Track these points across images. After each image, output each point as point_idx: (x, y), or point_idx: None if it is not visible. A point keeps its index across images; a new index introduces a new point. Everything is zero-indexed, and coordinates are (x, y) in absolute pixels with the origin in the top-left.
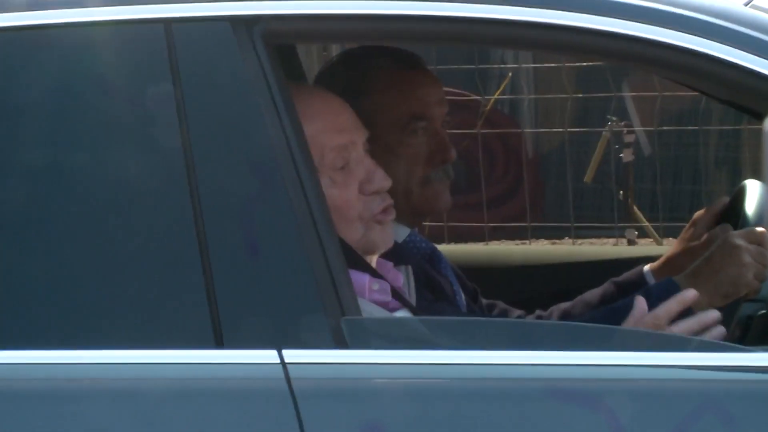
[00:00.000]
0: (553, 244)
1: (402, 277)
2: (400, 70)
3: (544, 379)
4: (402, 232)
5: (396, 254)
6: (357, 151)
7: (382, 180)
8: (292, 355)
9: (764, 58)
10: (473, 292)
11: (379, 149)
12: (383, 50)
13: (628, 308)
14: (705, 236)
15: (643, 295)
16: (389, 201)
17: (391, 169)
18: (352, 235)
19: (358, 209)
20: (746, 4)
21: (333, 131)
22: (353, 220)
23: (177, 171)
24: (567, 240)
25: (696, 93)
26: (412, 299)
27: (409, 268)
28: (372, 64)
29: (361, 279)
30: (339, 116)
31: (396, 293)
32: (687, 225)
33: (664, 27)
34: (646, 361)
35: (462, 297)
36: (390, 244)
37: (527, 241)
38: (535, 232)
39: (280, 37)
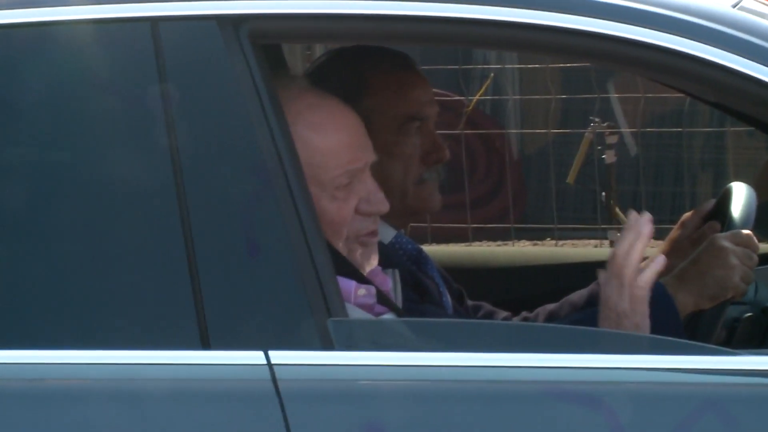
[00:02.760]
0: (535, 245)
1: (390, 281)
2: (394, 70)
3: (531, 381)
4: (389, 233)
5: (383, 256)
6: (362, 169)
7: (380, 203)
8: (278, 357)
9: (751, 60)
10: (459, 294)
11: (375, 150)
12: (375, 50)
13: None
14: (693, 236)
15: None
16: (377, 224)
17: (388, 169)
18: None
19: (347, 228)
20: (734, 6)
21: (346, 149)
22: (339, 237)
23: (164, 171)
24: (549, 241)
25: (680, 94)
26: (399, 303)
27: (396, 272)
28: (367, 64)
29: (347, 285)
30: (354, 135)
31: (383, 297)
32: (675, 226)
33: (650, 28)
34: (632, 364)
35: (448, 298)
36: (373, 266)
37: (510, 242)
38: (517, 233)
39: (266, 36)
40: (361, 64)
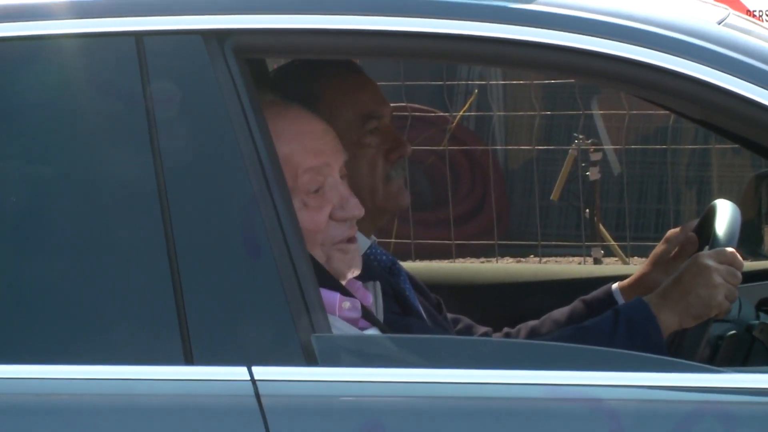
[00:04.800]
0: (519, 262)
1: (371, 296)
2: (343, 74)
3: (515, 399)
4: (363, 245)
5: (362, 268)
6: (333, 175)
7: (354, 208)
8: (261, 372)
9: (737, 77)
10: (437, 304)
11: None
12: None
13: (597, 327)
14: (676, 251)
15: (612, 314)
16: (354, 230)
17: (354, 171)
18: (317, 258)
19: (322, 235)
20: (719, 23)
21: (308, 153)
22: (316, 245)
23: (148, 186)
24: (533, 258)
25: (665, 111)
26: (380, 316)
27: (377, 284)
28: (317, 73)
29: (331, 297)
30: (318, 139)
31: (366, 312)
32: (659, 242)
33: (635, 45)
34: (615, 381)
35: (421, 310)
36: (357, 271)
37: (493, 259)
38: (501, 250)
39: (251, 51)
40: (309, 73)
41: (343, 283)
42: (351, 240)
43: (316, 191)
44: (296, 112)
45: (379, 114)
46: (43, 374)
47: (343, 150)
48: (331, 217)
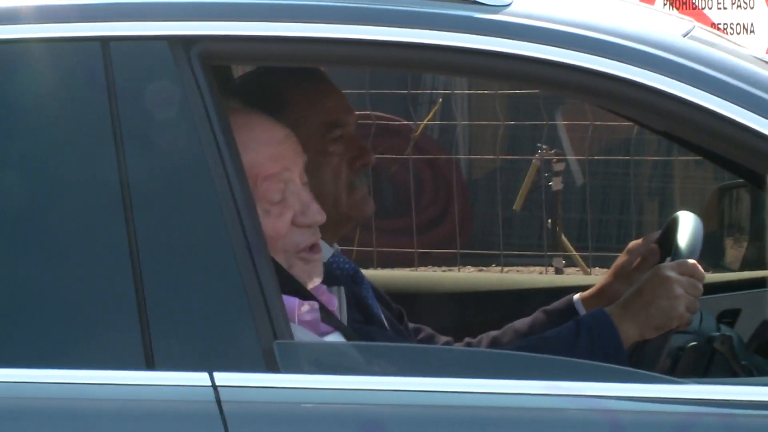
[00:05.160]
0: (481, 271)
1: (335, 300)
2: (309, 81)
3: (477, 407)
4: (326, 253)
5: (325, 275)
6: (293, 181)
7: (316, 214)
8: (223, 378)
9: (701, 90)
10: (399, 313)
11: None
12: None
13: (558, 337)
14: (637, 262)
15: (574, 325)
16: (317, 237)
17: (318, 179)
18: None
19: (284, 242)
20: (684, 35)
21: (268, 160)
22: (279, 252)
23: (112, 190)
24: (495, 267)
25: (628, 123)
26: (344, 321)
27: (341, 289)
28: (282, 80)
29: (290, 303)
30: (278, 145)
31: (329, 316)
32: (621, 253)
33: (600, 56)
34: (575, 391)
35: (384, 320)
36: (318, 280)
37: (456, 268)
38: (463, 258)
39: (217, 57)
40: (274, 79)
41: (309, 288)
42: (314, 249)
43: (279, 200)
44: (258, 119)
45: (344, 122)
46: (3, 378)
47: (303, 152)
48: (293, 223)
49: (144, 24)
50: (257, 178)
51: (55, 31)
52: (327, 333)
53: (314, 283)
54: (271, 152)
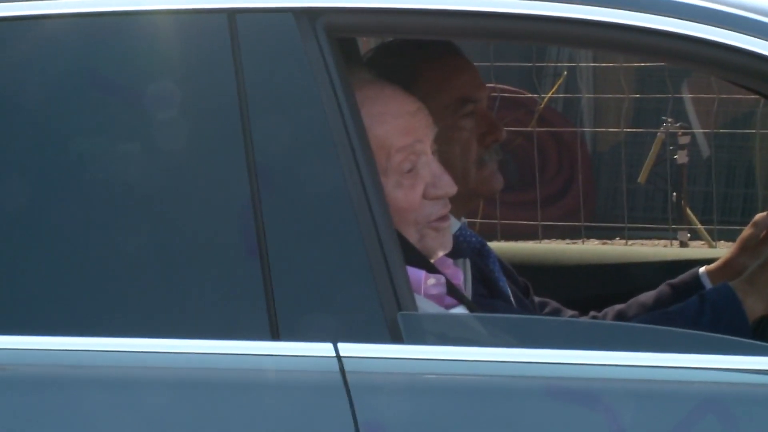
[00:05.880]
0: (605, 244)
1: (461, 274)
2: (442, 57)
3: (602, 379)
4: (453, 226)
5: (452, 248)
6: (425, 153)
7: (448, 185)
8: (347, 349)
9: None
10: (524, 287)
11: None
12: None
13: (682, 313)
14: (763, 235)
15: (698, 300)
16: (448, 208)
17: (447, 153)
18: (409, 237)
19: (417, 214)
20: None
21: (400, 132)
22: (410, 223)
23: (238, 163)
24: (619, 240)
25: (754, 96)
26: (469, 294)
27: (467, 261)
28: (415, 53)
29: (417, 275)
30: (410, 118)
31: (453, 290)
32: (747, 227)
33: (724, 28)
34: (701, 364)
35: (509, 293)
36: (449, 248)
37: (580, 241)
38: (587, 231)
39: (342, 30)
40: (410, 52)
41: (433, 261)
42: (444, 218)
43: (410, 171)
44: (390, 91)
45: (476, 98)
46: (130, 347)
47: (434, 124)
48: (424, 195)
49: None
50: (390, 150)
51: (183, 3)
52: (452, 306)
53: (445, 250)
54: (403, 124)
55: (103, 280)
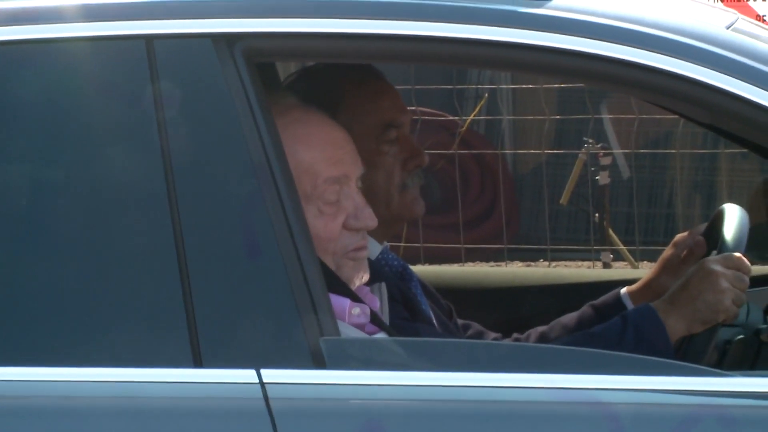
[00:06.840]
0: (528, 266)
1: (377, 301)
2: (366, 81)
3: (525, 402)
4: (375, 250)
5: (370, 272)
6: (349, 185)
7: (368, 218)
8: (270, 375)
9: (745, 82)
10: (448, 310)
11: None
12: (345, 63)
13: (605, 334)
14: (684, 255)
15: (620, 321)
16: (366, 240)
17: (371, 178)
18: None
19: (335, 244)
20: (728, 27)
21: (329, 163)
22: (328, 253)
23: (157, 187)
24: (542, 262)
25: (674, 116)
26: (386, 319)
27: (383, 285)
28: (339, 77)
29: (341, 303)
30: (339, 149)
31: (374, 317)
32: (668, 247)
33: (644, 49)
34: (623, 385)
35: (432, 316)
36: (366, 279)
37: (503, 263)
38: (510, 254)
39: (261, 54)
40: (333, 77)
41: (353, 288)
42: (361, 249)
43: (334, 201)
44: (319, 118)
45: (399, 123)
46: (50, 377)
47: (361, 162)
48: (344, 226)
49: (188, 22)
50: (317, 179)
51: (100, 29)
52: (373, 333)
53: (362, 279)
54: (331, 154)
55: (20, 308)
